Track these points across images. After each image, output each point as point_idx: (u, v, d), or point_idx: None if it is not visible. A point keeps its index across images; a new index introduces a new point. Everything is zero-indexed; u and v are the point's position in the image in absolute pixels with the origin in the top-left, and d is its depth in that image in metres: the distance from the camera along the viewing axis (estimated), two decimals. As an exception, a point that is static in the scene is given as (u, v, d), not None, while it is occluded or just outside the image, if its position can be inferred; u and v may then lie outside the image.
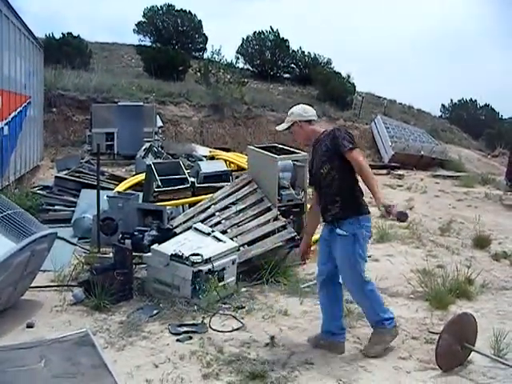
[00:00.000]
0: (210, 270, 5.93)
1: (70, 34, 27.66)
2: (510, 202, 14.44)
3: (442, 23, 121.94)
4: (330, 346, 4.96)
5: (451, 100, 40.28)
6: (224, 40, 59.41)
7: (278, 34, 33.01)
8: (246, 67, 33.03)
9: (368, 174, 4.62)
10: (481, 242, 9.15)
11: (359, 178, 4.77)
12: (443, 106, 40.41)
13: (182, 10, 33.85)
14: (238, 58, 32.53)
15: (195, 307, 5.66)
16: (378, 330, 4.99)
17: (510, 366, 4.59)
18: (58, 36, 27.14)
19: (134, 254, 6.37)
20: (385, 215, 4.76)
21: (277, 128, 5.39)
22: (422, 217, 11.40)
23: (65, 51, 24.40)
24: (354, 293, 5.06)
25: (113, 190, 9.72)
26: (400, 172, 18.58)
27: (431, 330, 5.41)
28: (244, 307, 5.87)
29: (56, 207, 9.62)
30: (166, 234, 6.90)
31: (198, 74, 24.57)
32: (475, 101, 39.16)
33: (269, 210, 7.47)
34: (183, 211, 8.50)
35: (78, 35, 27.92)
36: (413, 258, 8.15)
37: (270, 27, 33.23)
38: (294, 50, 33.52)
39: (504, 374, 4.57)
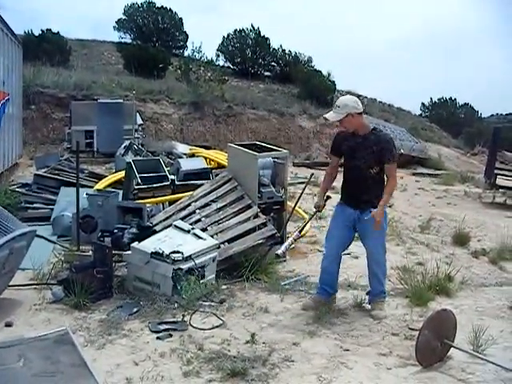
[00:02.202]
0: (190, 267, 5.93)
1: (49, 30, 27.39)
2: (488, 199, 14.59)
3: (424, 23, 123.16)
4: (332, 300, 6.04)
5: (431, 99, 40.48)
6: (206, 37, 59.45)
7: (259, 31, 32.99)
8: (226, 65, 32.99)
9: (393, 187, 5.78)
10: (460, 240, 9.23)
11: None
12: (423, 104, 40.61)
13: (162, 7, 33.71)
14: (218, 56, 32.56)
15: (175, 305, 5.65)
16: (379, 299, 5.95)
17: (489, 362, 4.63)
18: (37, 33, 26.85)
19: (113, 251, 6.33)
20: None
21: (326, 117, 5.73)
22: (401, 214, 11.48)
23: (44, 48, 24.15)
24: (380, 261, 5.95)
25: (92, 187, 9.67)
26: (380, 170, 18.67)
27: (411, 327, 5.44)
28: (225, 300, 5.91)
29: (35, 205, 9.54)
30: (146, 232, 6.88)
31: (179, 71, 24.50)
32: (455, 99, 39.40)
33: (249, 207, 7.47)
34: (163, 209, 8.48)
35: (58, 32, 27.66)
36: (393, 255, 8.17)
37: (251, 25, 33.23)
38: (274, 48, 33.49)
39: (483, 369, 4.61)
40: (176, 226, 6.68)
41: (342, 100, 5.63)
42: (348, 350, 4.93)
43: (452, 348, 4.80)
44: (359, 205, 5.69)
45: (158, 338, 4.99)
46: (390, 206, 12.11)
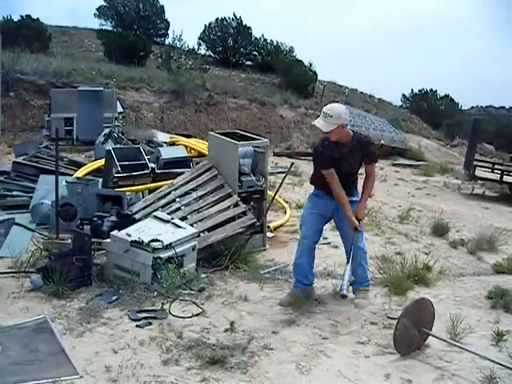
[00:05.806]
0: (170, 256, 5.92)
1: (28, 16, 27.08)
2: (467, 190, 14.69)
3: (405, 14, 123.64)
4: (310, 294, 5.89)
5: (412, 90, 40.49)
6: (187, 25, 58.91)
7: (241, 20, 32.80)
8: (207, 54, 32.81)
9: (373, 185, 6.04)
10: (439, 230, 9.29)
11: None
12: (404, 95, 40.63)
13: (144, -6, 33.44)
14: (200, 45, 32.31)
15: (155, 293, 5.64)
16: (364, 287, 5.99)
17: (466, 350, 4.68)
18: (16, 18, 26.56)
19: (93, 239, 6.30)
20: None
21: (317, 125, 5.57)
22: (381, 205, 11.51)
23: (23, 34, 23.84)
24: (363, 248, 5.96)
25: (72, 175, 9.61)
26: (360, 160, 18.71)
27: (390, 316, 5.48)
28: (204, 288, 5.92)
29: (14, 193, 9.45)
30: (126, 220, 6.86)
31: (160, 59, 24.34)
32: (435, 91, 39.41)
33: (229, 196, 7.47)
34: (143, 197, 8.47)
35: (38, 18, 27.30)
36: (372, 245, 8.22)
37: (233, 14, 33.06)
38: (256, 38, 33.30)
39: (460, 357, 4.67)
40: (155, 217, 6.66)
41: (334, 109, 5.50)
42: (327, 339, 4.96)
43: (430, 337, 4.85)
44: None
45: (137, 326, 4.99)
46: (370, 197, 12.19)
